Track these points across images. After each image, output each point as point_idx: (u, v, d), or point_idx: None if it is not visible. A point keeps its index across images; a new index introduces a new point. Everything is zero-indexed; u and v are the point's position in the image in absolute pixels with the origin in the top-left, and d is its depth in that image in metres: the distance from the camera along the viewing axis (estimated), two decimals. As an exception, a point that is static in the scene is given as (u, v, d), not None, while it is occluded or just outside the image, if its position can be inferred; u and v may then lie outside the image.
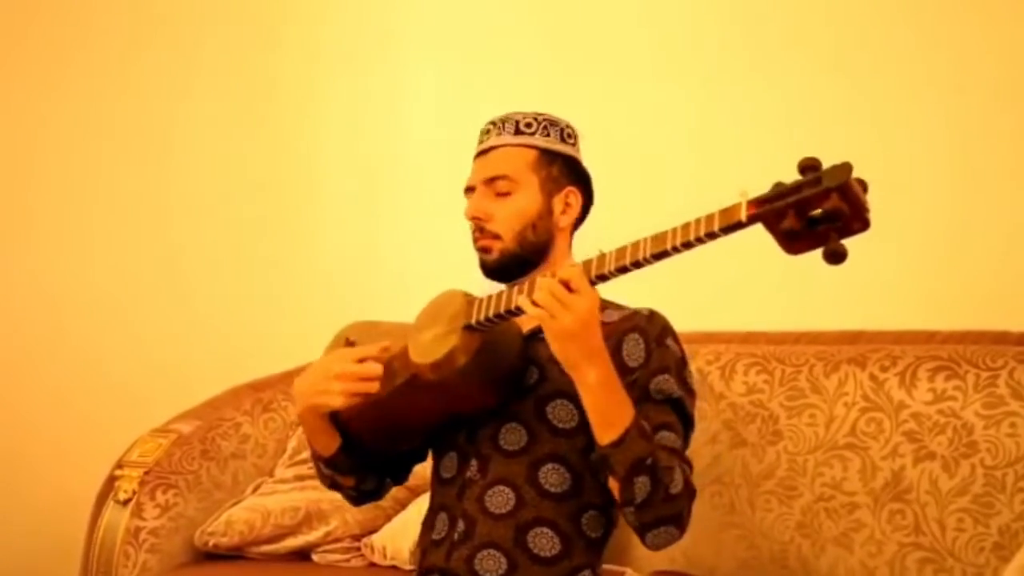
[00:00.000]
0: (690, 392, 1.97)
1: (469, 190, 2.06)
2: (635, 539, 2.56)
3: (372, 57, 3.71)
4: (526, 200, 2.01)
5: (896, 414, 2.46)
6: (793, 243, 1.57)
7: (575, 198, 2.06)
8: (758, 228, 1.61)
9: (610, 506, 1.95)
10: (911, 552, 2.39)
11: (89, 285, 3.44)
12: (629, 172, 3.21)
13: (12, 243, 3.36)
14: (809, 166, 1.55)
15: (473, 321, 1.82)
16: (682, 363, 1.97)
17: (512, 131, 2.03)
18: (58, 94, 3.41)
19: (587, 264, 1.75)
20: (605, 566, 2.12)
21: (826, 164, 1.56)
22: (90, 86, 3.45)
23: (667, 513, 1.82)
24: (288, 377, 3.15)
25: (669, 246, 1.66)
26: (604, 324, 1.91)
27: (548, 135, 2.04)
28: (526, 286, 1.79)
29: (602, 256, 1.74)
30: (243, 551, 2.89)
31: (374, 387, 1.91)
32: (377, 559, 2.82)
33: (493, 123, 2.06)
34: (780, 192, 1.57)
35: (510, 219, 2.01)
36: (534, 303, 1.74)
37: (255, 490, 2.98)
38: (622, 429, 1.76)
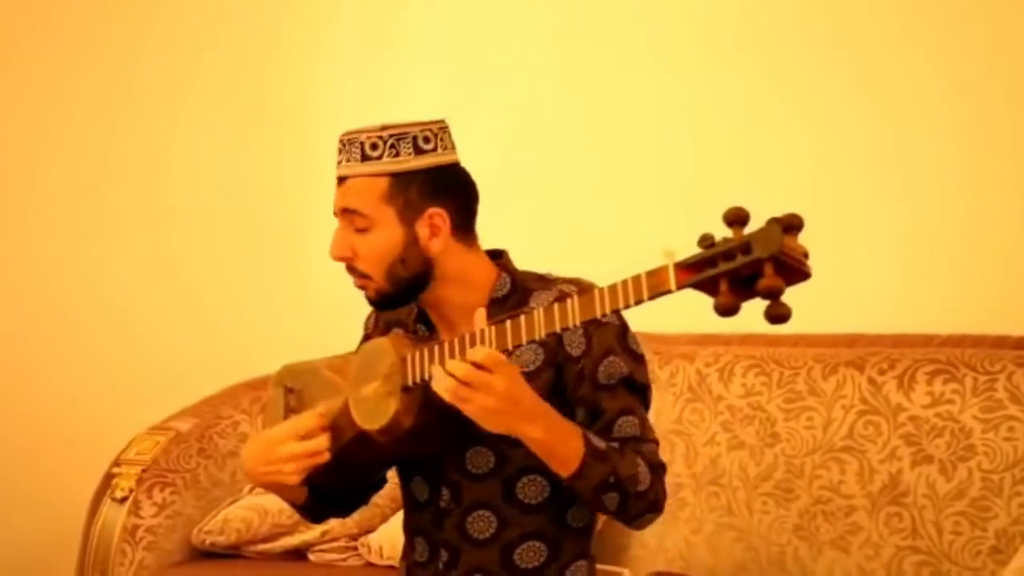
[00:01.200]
0: (638, 359, 1.88)
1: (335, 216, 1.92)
2: (633, 540, 2.57)
3: (371, 58, 3.71)
4: (386, 235, 1.84)
5: (894, 417, 2.46)
6: (727, 314, 1.47)
7: (440, 218, 1.85)
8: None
9: None
10: (908, 555, 2.39)
11: (88, 283, 3.44)
12: (630, 167, 3.21)
13: (12, 242, 3.36)
14: (735, 220, 1.44)
15: (409, 383, 1.76)
16: (622, 331, 1.88)
17: (359, 157, 1.85)
18: (59, 95, 3.40)
19: (516, 326, 1.65)
20: (603, 566, 2.11)
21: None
22: (91, 87, 3.45)
23: (641, 508, 1.80)
24: (286, 376, 3.15)
25: (599, 312, 1.59)
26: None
27: (398, 154, 1.84)
28: (467, 340, 1.69)
29: (530, 318, 1.64)
30: (240, 550, 2.89)
31: (324, 458, 1.85)
32: (374, 558, 2.82)
33: (342, 143, 1.89)
34: (709, 257, 1.46)
35: (374, 258, 1.85)
36: (447, 392, 1.65)
37: (252, 489, 2.97)
38: (577, 462, 1.72)
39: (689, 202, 3.03)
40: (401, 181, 1.84)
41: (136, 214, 3.52)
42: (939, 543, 2.36)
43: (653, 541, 2.62)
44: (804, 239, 1.47)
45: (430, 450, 1.89)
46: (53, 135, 3.41)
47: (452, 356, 1.69)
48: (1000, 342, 2.50)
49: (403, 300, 1.89)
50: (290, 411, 1.97)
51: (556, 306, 1.62)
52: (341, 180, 1.90)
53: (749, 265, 1.44)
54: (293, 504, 2.02)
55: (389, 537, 2.78)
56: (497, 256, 1.95)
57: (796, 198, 2.87)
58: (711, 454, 2.62)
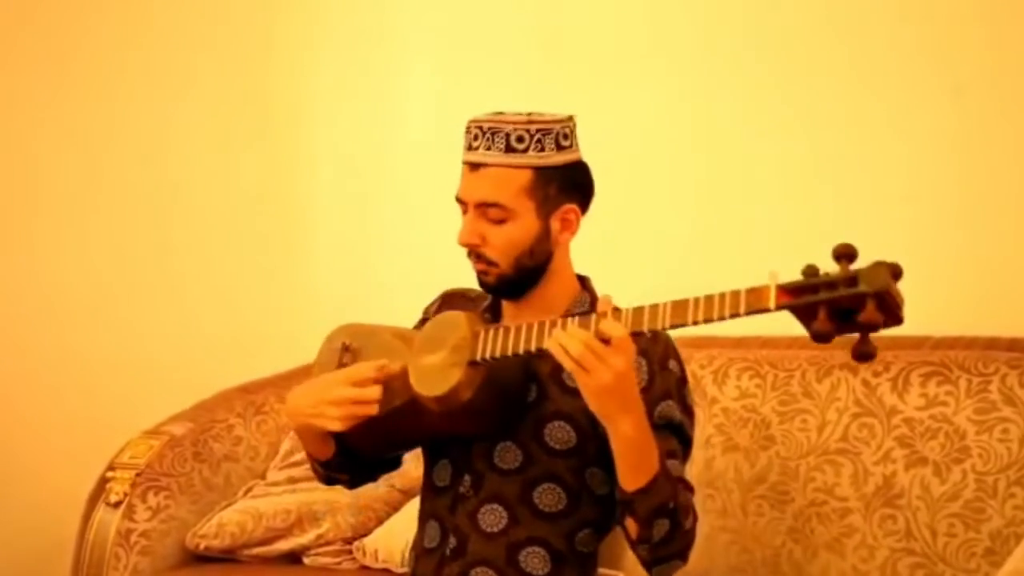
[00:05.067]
0: (690, 413, 1.94)
1: (461, 202, 1.91)
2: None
3: (365, 60, 3.70)
4: (522, 228, 1.87)
5: (888, 419, 2.46)
6: (821, 339, 1.53)
7: (575, 214, 1.92)
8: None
9: (604, 522, 1.93)
10: (902, 557, 2.39)
11: (82, 286, 3.43)
12: (628, 167, 3.20)
13: (6, 245, 3.35)
14: (844, 254, 1.49)
15: (479, 358, 1.78)
16: (682, 383, 1.94)
17: (503, 147, 1.85)
18: (55, 96, 3.39)
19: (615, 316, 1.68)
20: (602, 571, 2.11)
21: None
22: (87, 88, 3.44)
23: (679, 548, 1.81)
24: (280, 380, 3.15)
25: (690, 319, 1.62)
26: None
27: (542, 149, 1.86)
28: (547, 327, 1.71)
29: (627, 312, 1.68)
30: (235, 553, 2.89)
31: (372, 410, 1.85)
32: (369, 562, 2.82)
33: (481, 129, 1.87)
34: (813, 284, 1.51)
35: (506, 248, 1.88)
36: (567, 353, 1.66)
37: (247, 492, 2.97)
38: (650, 476, 1.72)
39: (687, 201, 3.03)
40: (543, 175, 1.88)
41: (130, 217, 3.51)
42: (933, 545, 2.36)
43: (648, 544, 2.62)
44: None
45: (472, 431, 1.90)
46: (49, 136, 3.40)
47: (530, 339, 1.72)
48: (993, 344, 2.50)
49: (521, 290, 1.92)
50: (343, 367, 1.97)
51: (647, 308, 1.66)
52: (475, 167, 1.89)
53: (852, 298, 1.48)
54: (315, 459, 2.02)
55: (384, 540, 2.79)
56: (582, 279, 2.00)
57: (792, 200, 2.90)
58: (706, 457, 2.62)
